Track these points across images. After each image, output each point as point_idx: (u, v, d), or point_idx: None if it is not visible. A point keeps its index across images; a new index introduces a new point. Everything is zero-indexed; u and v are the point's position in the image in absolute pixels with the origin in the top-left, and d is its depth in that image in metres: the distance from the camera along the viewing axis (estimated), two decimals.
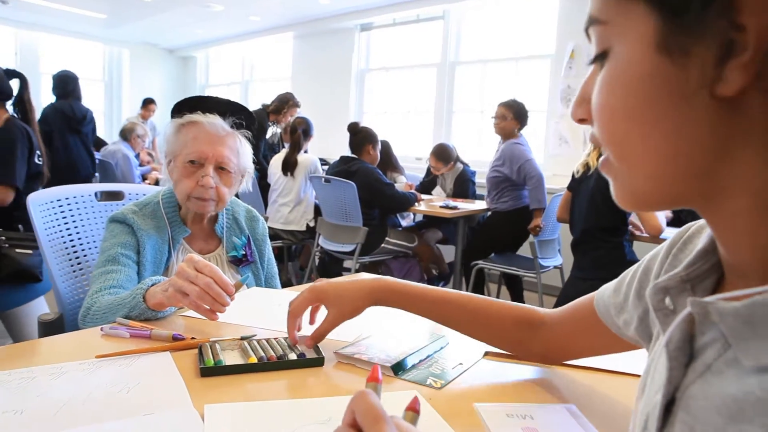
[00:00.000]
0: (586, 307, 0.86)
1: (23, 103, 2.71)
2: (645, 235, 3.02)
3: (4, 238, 2.43)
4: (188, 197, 1.51)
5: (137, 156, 6.21)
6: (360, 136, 4.21)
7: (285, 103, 5.17)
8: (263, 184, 4.80)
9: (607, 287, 0.81)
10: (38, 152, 2.64)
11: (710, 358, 0.42)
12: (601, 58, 0.45)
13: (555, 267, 4.04)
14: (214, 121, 1.53)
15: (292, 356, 1.01)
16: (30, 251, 2.41)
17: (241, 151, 1.58)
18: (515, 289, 4.31)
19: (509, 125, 4.08)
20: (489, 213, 4.34)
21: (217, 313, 1.15)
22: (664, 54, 0.40)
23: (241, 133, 1.59)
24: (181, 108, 1.57)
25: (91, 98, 10.12)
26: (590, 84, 0.47)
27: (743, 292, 0.39)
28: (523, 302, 1.03)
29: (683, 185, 0.43)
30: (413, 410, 0.48)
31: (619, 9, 0.42)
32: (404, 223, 4.77)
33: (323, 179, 4.14)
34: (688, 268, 0.50)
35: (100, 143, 8.40)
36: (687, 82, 0.39)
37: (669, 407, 0.45)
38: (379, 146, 4.30)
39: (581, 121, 0.49)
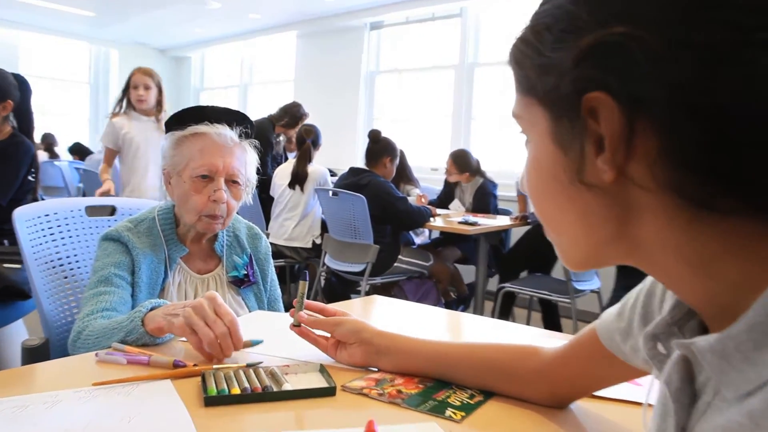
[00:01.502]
0: (588, 336, 0.90)
1: (23, 112, 2.76)
2: None
3: None
4: (199, 216, 1.55)
5: None
6: (380, 146, 4.27)
7: (298, 118, 5.23)
8: (264, 198, 4.84)
9: (610, 312, 0.84)
10: (33, 170, 2.71)
11: (709, 396, 0.48)
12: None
13: (592, 291, 3.99)
14: (223, 131, 1.57)
15: (301, 385, 1.04)
16: (18, 266, 2.46)
17: (248, 161, 1.63)
18: (551, 316, 4.30)
19: None
20: (529, 227, 4.37)
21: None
22: (559, 146, 0.52)
23: (249, 142, 1.64)
24: (182, 119, 1.61)
25: (75, 102, 10.27)
26: None
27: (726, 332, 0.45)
28: (560, 331, 1.06)
29: (606, 248, 0.53)
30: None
31: (526, 108, 0.55)
32: (419, 240, 4.79)
33: (330, 192, 4.18)
34: (672, 311, 0.56)
35: (84, 152, 8.52)
36: (580, 170, 0.50)
37: None
38: (397, 161, 4.35)
39: (527, 193, 0.60)
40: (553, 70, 0.50)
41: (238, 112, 1.66)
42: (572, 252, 0.57)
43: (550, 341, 1.06)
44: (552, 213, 0.56)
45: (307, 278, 1.21)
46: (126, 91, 3.95)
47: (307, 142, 4.55)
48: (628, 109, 0.45)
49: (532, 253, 4.29)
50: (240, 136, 1.61)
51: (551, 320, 4.27)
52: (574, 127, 0.49)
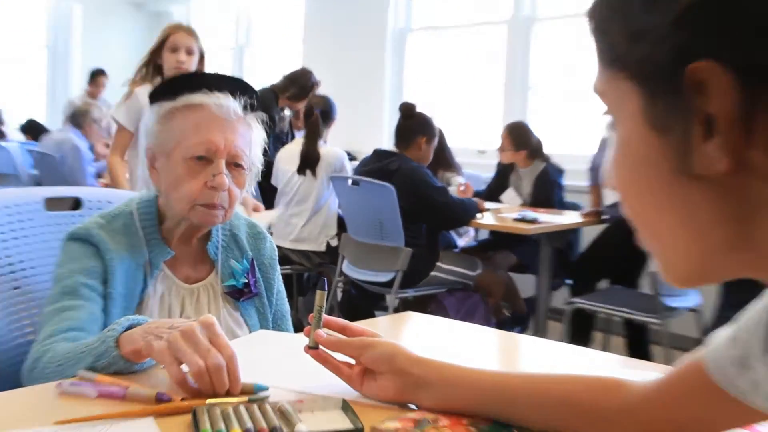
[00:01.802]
0: (693, 367, 0.88)
1: None
2: None
3: None
4: (192, 205, 1.55)
5: (91, 148, 6.27)
6: (413, 123, 4.27)
7: (308, 88, 5.21)
8: (264, 187, 4.84)
9: (721, 337, 0.83)
10: None
11: None
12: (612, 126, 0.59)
13: (689, 309, 3.90)
14: (224, 102, 1.57)
15: (319, 426, 1.03)
16: None
17: (253, 140, 1.63)
18: (637, 341, 4.25)
19: None
20: (606, 225, 4.37)
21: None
22: (656, 130, 0.52)
23: (255, 116, 1.64)
24: (174, 88, 1.61)
25: (28, 69, 10.38)
26: None
27: None
28: (649, 360, 1.05)
29: (720, 257, 0.53)
30: None
31: (612, 82, 0.56)
32: (462, 242, 4.78)
33: (350, 180, 4.18)
34: None
35: (40, 130, 8.61)
36: (683, 159, 0.50)
37: None
38: (435, 142, 4.34)
39: (614, 189, 0.61)
40: (645, 37, 0.50)
41: (240, 79, 1.67)
42: (677, 264, 0.57)
43: (637, 373, 1.05)
44: (648, 214, 0.57)
45: (326, 287, 1.20)
46: (156, 53, 3.77)
47: (315, 113, 4.55)
48: (746, 81, 0.45)
49: (610, 260, 4.25)
50: (244, 108, 1.61)
51: (638, 346, 4.21)
52: (674, 106, 0.49)
